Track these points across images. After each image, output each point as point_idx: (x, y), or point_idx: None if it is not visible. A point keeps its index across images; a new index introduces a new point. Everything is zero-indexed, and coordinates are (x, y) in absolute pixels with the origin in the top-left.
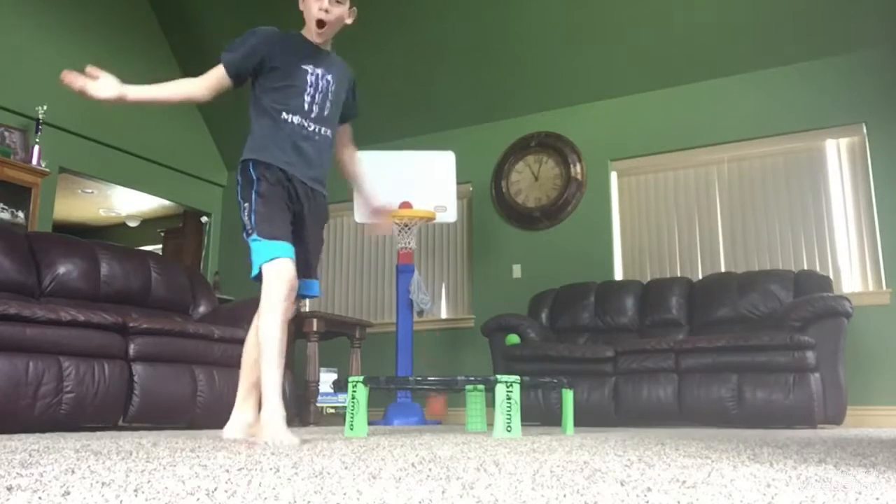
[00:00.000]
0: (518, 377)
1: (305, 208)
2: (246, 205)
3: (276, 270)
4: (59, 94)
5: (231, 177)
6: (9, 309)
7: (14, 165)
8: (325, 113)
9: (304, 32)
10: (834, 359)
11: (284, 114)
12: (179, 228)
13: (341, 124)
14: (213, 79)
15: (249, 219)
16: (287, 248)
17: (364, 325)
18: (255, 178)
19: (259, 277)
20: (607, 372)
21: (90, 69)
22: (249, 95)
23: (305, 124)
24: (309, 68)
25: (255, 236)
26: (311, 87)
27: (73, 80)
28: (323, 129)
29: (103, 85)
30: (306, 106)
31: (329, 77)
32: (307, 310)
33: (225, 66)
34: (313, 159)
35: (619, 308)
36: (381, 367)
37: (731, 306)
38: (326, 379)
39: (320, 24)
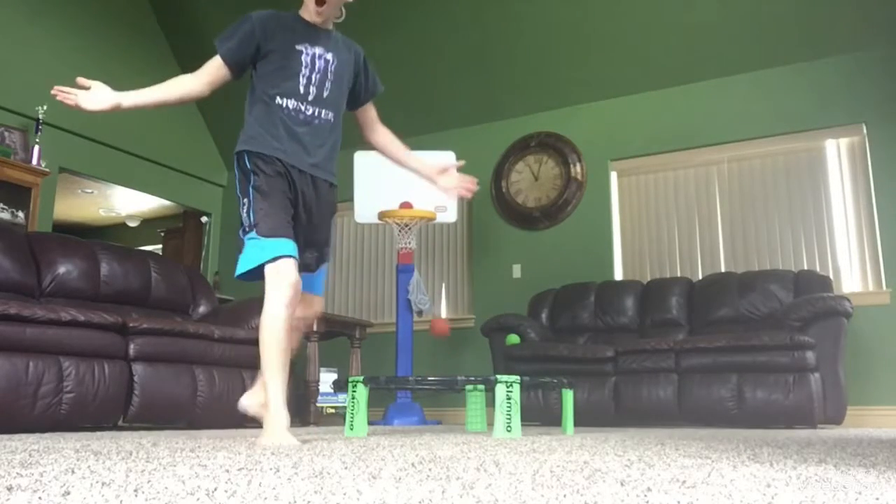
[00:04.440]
0: (518, 377)
1: (306, 199)
2: (245, 200)
3: (278, 271)
4: None
5: (231, 176)
6: (9, 309)
7: (14, 165)
8: (325, 94)
9: (302, 12)
10: (834, 359)
11: (279, 98)
12: (179, 228)
13: (361, 105)
14: (212, 72)
15: (248, 215)
16: (289, 245)
17: (364, 325)
18: (251, 170)
19: (246, 276)
20: (607, 372)
21: (80, 80)
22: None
23: (302, 108)
24: (304, 48)
25: (252, 234)
26: (306, 67)
27: (65, 96)
28: (323, 112)
29: (96, 96)
30: (302, 88)
31: (328, 56)
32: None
33: (222, 57)
34: (312, 145)
35: (619, 308)
36: (381, 367)
37: (731, 306)
38: (326, 379)
39: (320, 1)
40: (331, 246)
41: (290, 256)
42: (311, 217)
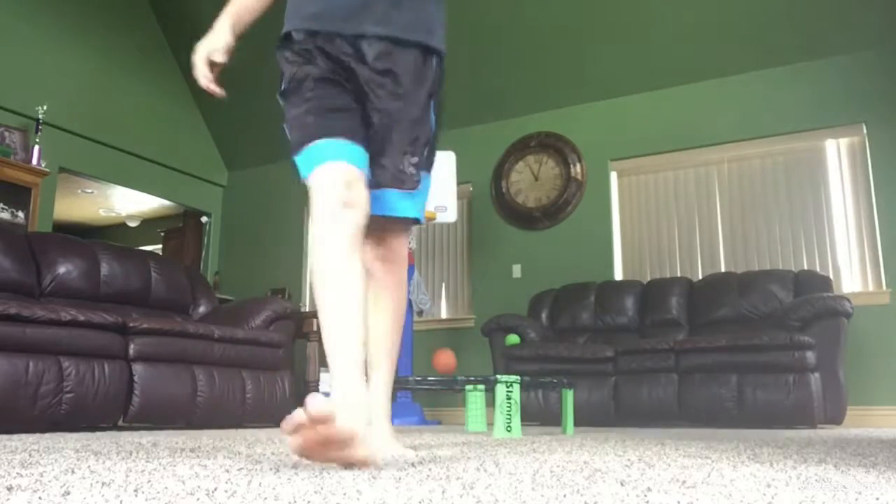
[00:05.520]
0: (518, 377)
1: (365, 75)
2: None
3: (319, 182)
4: (59, 94)
5: (230, 177)
6: (9, 309)
7: (14, 165)
8: None
9: None
10: (834, 359)
11: None
12: (179, 228)
13: None
14: None
15: (287, 134)
16: (331, 146)
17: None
18: (281, 74)
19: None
20: (607, 372)
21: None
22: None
23: None
24: None
25: (294, 155)
26: None
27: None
28: None
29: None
30: None
31: None
32: (307, 310)
33: None
34: None
35: (619, 308)
36: None
37: (731, 306)
38: (326, 379)
39: None
40: (424, 140)
41: (332, 161)
42: (384, 99)
